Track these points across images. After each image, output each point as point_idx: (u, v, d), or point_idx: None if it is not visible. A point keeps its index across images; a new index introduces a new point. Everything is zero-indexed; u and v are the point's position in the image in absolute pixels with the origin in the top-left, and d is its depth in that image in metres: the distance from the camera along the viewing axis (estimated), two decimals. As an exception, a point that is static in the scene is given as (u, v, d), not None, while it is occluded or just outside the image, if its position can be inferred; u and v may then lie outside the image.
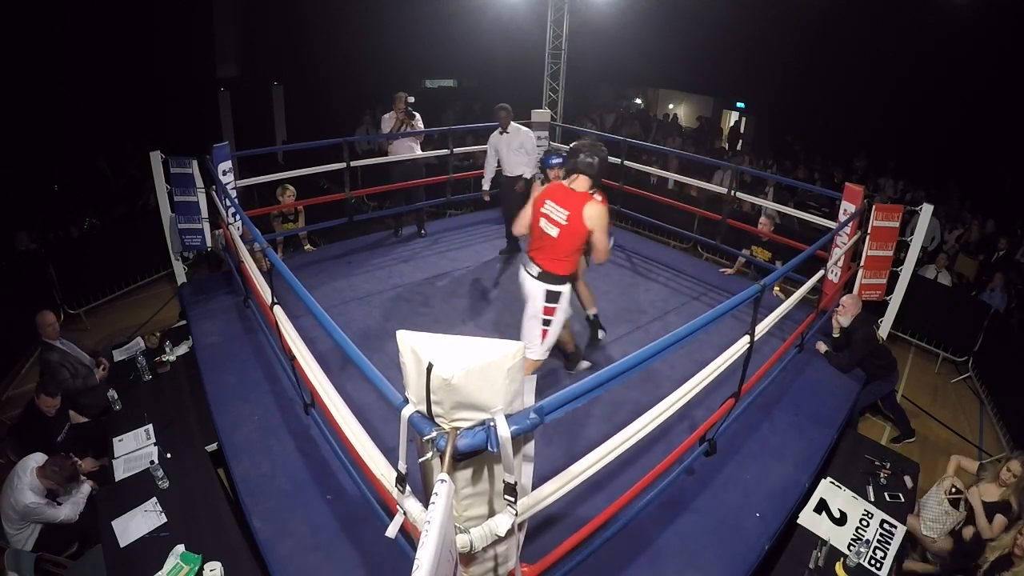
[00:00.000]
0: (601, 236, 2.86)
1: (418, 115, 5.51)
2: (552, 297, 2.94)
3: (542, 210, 2.91)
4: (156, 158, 4.54)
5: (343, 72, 11.17)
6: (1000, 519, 2.97)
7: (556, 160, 4.15)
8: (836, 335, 4.12)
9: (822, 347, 4.17)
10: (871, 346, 4.01)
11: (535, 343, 3.02)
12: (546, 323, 2.99)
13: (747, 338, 2.64)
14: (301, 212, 5.57)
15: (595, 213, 2.80)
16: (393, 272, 5.21)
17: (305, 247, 5.62)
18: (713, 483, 2.96)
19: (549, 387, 3.50)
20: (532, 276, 2.96)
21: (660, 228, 6.30)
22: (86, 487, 3.20)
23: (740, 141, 12.53)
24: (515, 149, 5.12)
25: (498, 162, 5.27)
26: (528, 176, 5.23)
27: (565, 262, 2.91)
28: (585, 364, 3.76)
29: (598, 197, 2.94)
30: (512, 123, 5.10)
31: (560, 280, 2.93)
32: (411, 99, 5.46)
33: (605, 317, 4.56)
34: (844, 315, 4.01)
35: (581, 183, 2.88)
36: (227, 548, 2.57)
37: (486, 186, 5.44)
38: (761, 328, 2.76)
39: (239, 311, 4.45)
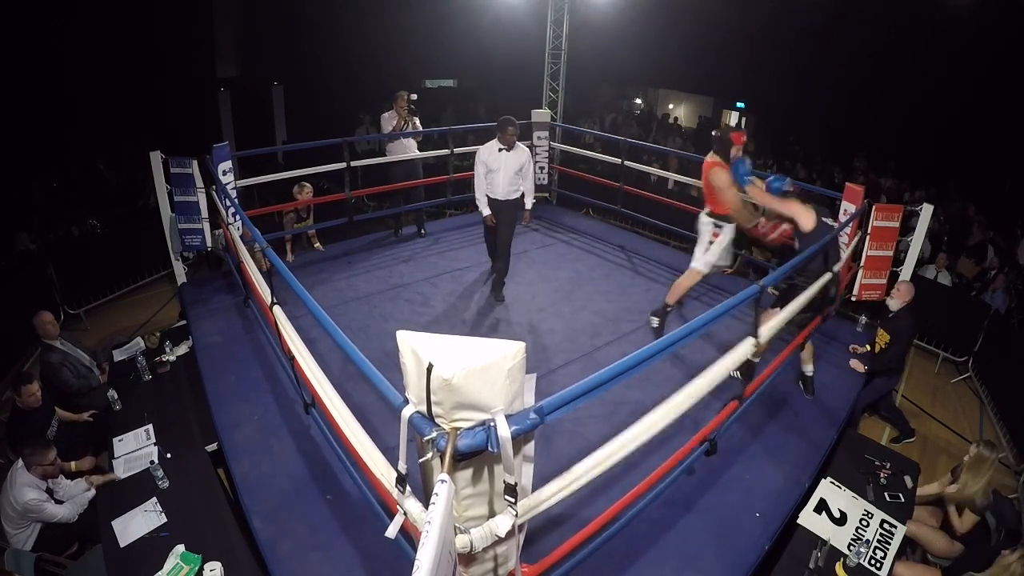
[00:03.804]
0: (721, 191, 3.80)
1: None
2: (716, 225, 4.05)
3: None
4: (156, 158, 4.53)
5: (343, 72, 11.16)
6: (968, 516, 3.01)
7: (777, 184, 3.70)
8: (890, 314, 4.05)
9: (859, 366, 4.12)
10: (914, 335, 4.02)
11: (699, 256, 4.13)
12: (710, 243, 4.10)
13: (753, 340, 2.62)
14: (312, 210, 5.59)
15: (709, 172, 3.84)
16: (393, 272, 5.21)
17: (315, 245, 5.63)
18: (713, 483, 2.96)
19: (550, 387, 3.50)
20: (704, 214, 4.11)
21: (660, 228, 6.30)
22: (90, 492, 3.19)
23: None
24: (515, 172, 4.45)
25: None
26: (529, 205, 4.68)
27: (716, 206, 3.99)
28: (656, 322, 4.38)
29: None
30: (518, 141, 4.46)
31: (716, 216, 4.03)
32: (414, 97, 5.43)
33: (605, 317, 4.57)
34: (897, 299, 4.01)
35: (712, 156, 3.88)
36: (227, 548, 2.57)
37: (486, 210, 4.54)
38: (767, 331, 2.73)
39: (239, 311, 4.45)
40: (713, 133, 3.95)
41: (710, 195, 3.97)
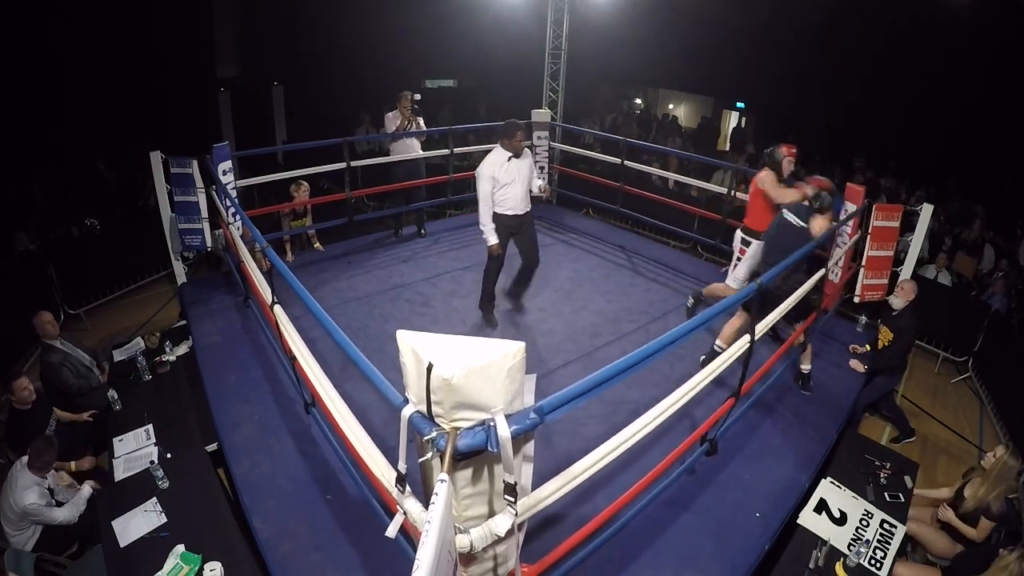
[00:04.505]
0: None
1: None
2: (744, 242, 4.21)
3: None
4: (156, 158, 4.53)
5: (343, 72, 11.16)
6: (984, 523, 2.98)
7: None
8: (894, 313, 4.05)
9: (859, 366, 4.11)
10: (916, 334, 4.06)
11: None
12: (738, 259, 4.24)
13: (747, 337, 2.64)
14: (310, 210, 5.59)
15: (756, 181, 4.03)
16: (393, 272, 5.21)
17: (315, 245, 5.64)
18: (713, 483, 2.96)
19: (549, 387, 3.50)
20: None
21: (660, 228, 6.30)
22: (87, 490, 3.20)
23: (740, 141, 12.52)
24: (526, 179, 4.01)
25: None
26: (544, 180, 4.27)
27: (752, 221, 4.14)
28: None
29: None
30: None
31: (748, 232, 4.18)
32: (417, 96, 5.44)
33: (605, 317, 4.57)
34: (901, 297, 4.00)
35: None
36: (227, 548, 2.57)
37: (493, 238, 3.96)
38: (761, 327, 2.76)
39: (239, 311, 4.45)
40: (765, 151, 4.08)
41: (751, 209, 4.17)
